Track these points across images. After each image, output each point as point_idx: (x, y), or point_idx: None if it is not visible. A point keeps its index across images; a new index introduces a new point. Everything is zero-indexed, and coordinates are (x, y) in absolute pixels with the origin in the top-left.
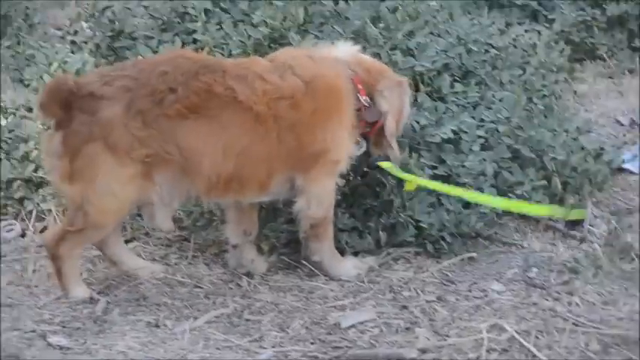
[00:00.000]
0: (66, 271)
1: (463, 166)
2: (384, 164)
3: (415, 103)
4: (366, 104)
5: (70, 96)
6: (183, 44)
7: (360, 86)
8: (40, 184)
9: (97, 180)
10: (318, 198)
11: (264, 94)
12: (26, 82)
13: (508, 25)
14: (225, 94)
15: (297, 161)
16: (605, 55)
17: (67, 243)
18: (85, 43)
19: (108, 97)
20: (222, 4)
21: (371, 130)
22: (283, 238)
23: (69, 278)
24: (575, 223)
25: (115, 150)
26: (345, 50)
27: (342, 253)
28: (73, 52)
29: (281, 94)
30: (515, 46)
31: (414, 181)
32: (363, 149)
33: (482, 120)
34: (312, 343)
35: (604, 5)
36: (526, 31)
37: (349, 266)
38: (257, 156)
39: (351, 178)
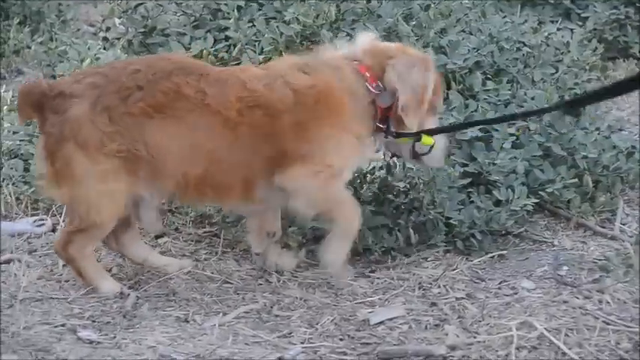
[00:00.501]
0: (85, 271)
1: (494, 164)
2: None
3: (446, 100)
4: (376, 91)
5: (42, 98)
6: (215, 41)
7: (367, 74)
8: None
9: (76, 179)
10: (304, 194)
11: (237, 100)
12: (59, 78)
13: (541, 23)
14: (194, 96)
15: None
16: (638, 54)
17: (74, 244)
18: (118, 39)
19: (76, 95)
20: (255, 1)
21: (390, 112)
22: (310, 234)
23: (92, 275)
24: None
25: (85, 148)
26: (358, 43)
27: (371, 251)
28: (105, 49)
29: (257, 102)
30: (547, 45)
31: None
32: (381, 151)
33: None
34: (341, 340)
35: (637, 4)
36: (559, 29)
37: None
38: (227, 162)
39: (381, 175)
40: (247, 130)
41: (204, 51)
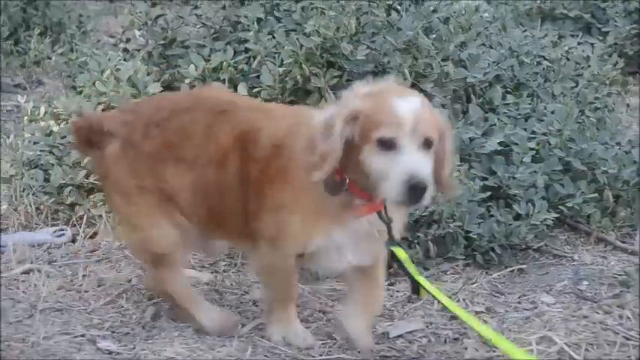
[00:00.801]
0: (182, 304)
1: (514, 178)
2: (400, 253)
3: (466, 114)
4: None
5: (90, 133)
6: (235, 53)
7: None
8: (91, 190)
9: (121, 217)
10: (258, 261)
11: (234, 139)
12: (79, 89)
13: (561, 37)
14: (200, 134)
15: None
16: None
17: (162, 281)
18: (138, 50)
19: (112, 134)
20: (275, 14)
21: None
22: None
23: (189, 307)
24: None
25: (119, 188)
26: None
27: (389, 264)
28: (125, 60)
29: (243, 144)
30: (567, 59)
31: (425, 287)
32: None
33: (533, 132)
34: (359, 352)
35: None
36: (579, 43)
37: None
38: (222, 205)
39: None
40: (232, 172)
41: (224, 63)
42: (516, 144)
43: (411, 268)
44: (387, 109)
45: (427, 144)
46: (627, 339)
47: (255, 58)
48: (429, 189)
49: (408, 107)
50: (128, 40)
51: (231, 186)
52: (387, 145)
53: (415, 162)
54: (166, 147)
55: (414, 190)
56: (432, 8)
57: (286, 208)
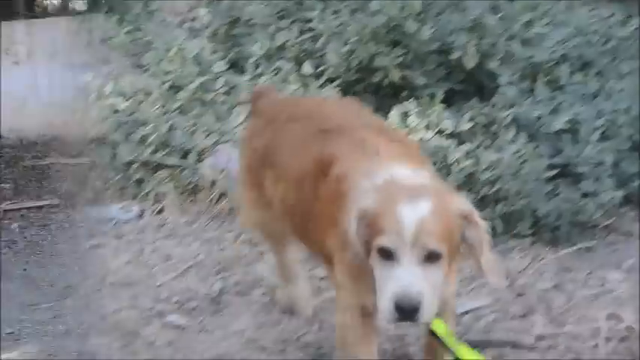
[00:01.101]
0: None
1: (581, 156)
2: (438, 326)
3: (532, 92)
4: None
5: (256, 102)
6: (300, 32)
7: None
8: (158, 166)
9: (238, 183)
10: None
11: (313, 162)
12: (145, 67)
13: (629, 16)
14: (294, 149)
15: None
16: None
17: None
18: (203, 29)
19: (258, 129)
20: None
21: None
22: None
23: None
24: None
25: (244, 175)
26: None
27: None
28: (193, 38)
29: (322, 163)
30: (635, 38)
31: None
32: None
33: (600, 110)
34: None
35: None
36: None
37: None
38: (302, 223)
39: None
40: (307, 196)
41: (289, 42)
42: (583, 122)
43: (452, 344)
44: (391, 215)
45: (430, 257)
46: None
47: (320, 37)
48: (421, 309)
49: (412, 215)
50: (194, 19)
51: (307, 210)
52: (387, 254)
53: (408, 279)
54: (270, 150)
55: (401, 310)
56: None
57: (337, 263)
